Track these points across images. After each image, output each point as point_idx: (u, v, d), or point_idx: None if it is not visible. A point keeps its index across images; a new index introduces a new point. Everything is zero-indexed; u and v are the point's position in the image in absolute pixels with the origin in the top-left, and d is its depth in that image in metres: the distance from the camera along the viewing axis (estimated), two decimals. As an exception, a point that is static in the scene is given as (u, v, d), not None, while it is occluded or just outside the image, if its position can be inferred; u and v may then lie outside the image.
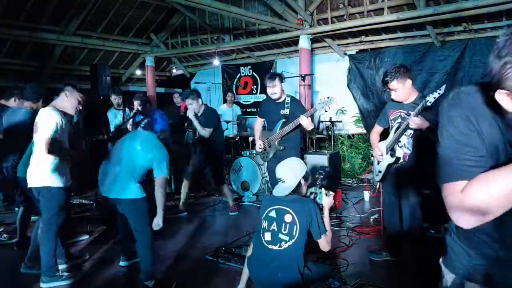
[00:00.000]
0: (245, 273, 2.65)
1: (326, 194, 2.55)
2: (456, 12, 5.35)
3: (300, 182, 2.46)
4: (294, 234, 2.32)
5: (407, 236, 3.16)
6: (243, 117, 8.13)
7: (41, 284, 3.10)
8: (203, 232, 4.47)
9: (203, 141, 4.83)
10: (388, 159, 3.15)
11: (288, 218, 2.34)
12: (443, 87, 2.72)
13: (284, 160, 2.63)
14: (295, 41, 7.24)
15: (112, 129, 5.80)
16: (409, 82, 3.00)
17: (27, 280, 3.24)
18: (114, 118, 5.89)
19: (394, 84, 2.99)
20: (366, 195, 5.61)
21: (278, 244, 2.33)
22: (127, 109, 5.97)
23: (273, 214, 2.41)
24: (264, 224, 2.42)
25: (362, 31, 6.85)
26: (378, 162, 3.28)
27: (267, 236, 2.38)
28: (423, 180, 3.19)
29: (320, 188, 2.61)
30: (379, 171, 3.28)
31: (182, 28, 9.12)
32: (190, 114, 4.74)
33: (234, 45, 8.25)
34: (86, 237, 4.21)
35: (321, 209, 2.51)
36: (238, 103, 8.70)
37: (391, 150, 3.15)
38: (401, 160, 3.12)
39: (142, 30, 8.95)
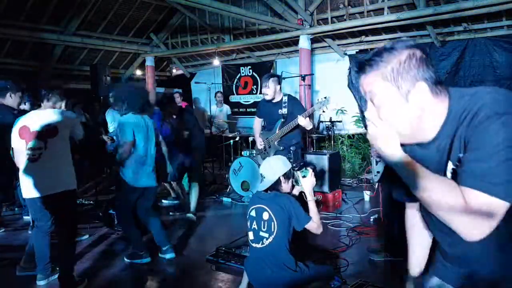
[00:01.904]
0: (245, 277, 2.68)
1: (303, 176, 2.55)
2: (456, 12, 5.36)
3: (279, 179, 2.49)
4: (272, 230, 2.36)
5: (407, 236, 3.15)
6: (233, 117, 8.17)
7: (38, 282, 3.11)
8: (203, 232, 4.47)
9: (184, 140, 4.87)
10: (387, 159, 3.15)
11: (265, 215, 2.40)
12: None
13: (269, 157, 2.70)
14: (295, 41, 7.25)
15: (111, 130, 5.79)
16: None
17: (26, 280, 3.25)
18: (113, 119, 5.88)
19: None
20: (366, 195, 5.61)
21: (260, 241, 2.40)
22: None
23: (253, 213, 2.48)
24: (248, 223, 2.50)
25: (362, 31, 6.85)
26: (377, 162, 3.28)
27: (251, 235, 2.46)
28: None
29: (296, 171, 2.63)
30: (378, 171, 3.27)
31: (182, 28, 9.12)
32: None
33: (234, 45, 8.25)
34: (86, 236, 4.21)
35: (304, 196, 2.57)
36: (238, 103, 8.73)
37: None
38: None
39: (142, 30, 8.95)
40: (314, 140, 6.65)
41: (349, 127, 7.59)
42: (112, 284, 3.23)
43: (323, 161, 5.13)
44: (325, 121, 6.92)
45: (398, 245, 3.47)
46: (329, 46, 7.53)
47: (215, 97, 7.86)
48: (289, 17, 6.71)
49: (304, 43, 6.75)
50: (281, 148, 4.08)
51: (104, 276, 3.34)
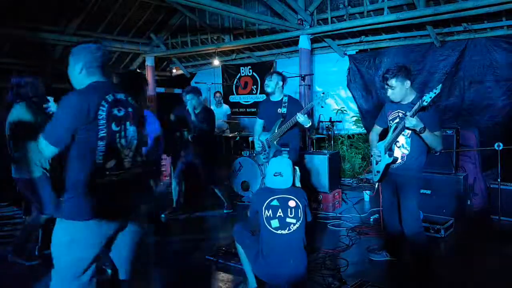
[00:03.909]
0: (250, 273, 2.79)
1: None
2: (456, 12, 5.35)
3: (293, 176, 2.85)
4: (299, 216, 2.66)
5: (406, 236, 3.16)
6: (233, 117, 8.16)
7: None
8: (203, 232, 4.47)
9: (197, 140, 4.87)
10: (386, 159, 3.15)
11: (292, 203, 2.68)
12: (439, 86, 2.73)
13: (276, 157, 2.95)
14: (295, 41, 7.24)
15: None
16: (407, 83, 3.02)
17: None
18: None
19: (393, 82, 3.01)
20: (366, 195, 5.62)
21: (287, 227, 2.63)
22: None
23: (275, 203, 2.68)
24: (268, 213, 2.66)
25: (362, 31, 6.84)
26: (377, 162, 3.29)
27: (274, 223, 2.64)
28: (421, 180, 3.19)
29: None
30: (378, 171, 3.28)
31: (182, 28, 9.12)
32: (190, 109, 4.78)
33: (234, 45, 8.25)
34: None
35: None
36: (238, 103, 8.73)
37: (389, 150, 3.15)
38: (399, 160, 3.12)
39: (142, 30, 8.94)
40: (314, 140, 6.65)
41: (349, 127, 7.59)
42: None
43: (323, 161, 5.13)
44: (325, 121, 6.93)
45: (398, 245, 3.48)
46: (329, 46, 7.53)
47: (214, 97, 7.86)
48: (289, 17, 6.70)
49: (304, 43, 6.75)
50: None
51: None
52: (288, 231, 2.62)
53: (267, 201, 2.68)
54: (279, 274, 2.61)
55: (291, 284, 2.64)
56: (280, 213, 2.64)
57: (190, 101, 4.78)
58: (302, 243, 2.66)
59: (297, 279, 2.63)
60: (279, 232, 2.62)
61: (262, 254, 2.67)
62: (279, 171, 2.74)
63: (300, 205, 2.69)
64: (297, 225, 2.64)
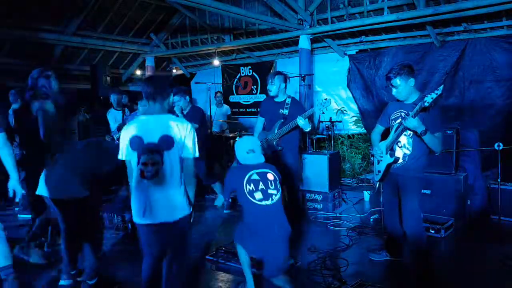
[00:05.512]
0: (249, 275, 2.81)
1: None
2: (456, 12, 5.35)
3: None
4: (278, 187, 2.82)
5: (407, 236, 3.16)
6: (233, 117, 8.15)
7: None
8: (203, 232, 4.47)
9: None
10: (387, 159, 3.16)
11: (270, 176, 2.82)
12: (441, 87, 2.73)
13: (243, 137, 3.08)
14: (295, 41, 7.24)
15: (112, 130, 5.81)
16: (411, 81, 3.02)
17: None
18: (114, 120, 5.89)
19: (396, 81, 3.01)
20: (366, 195, 5.62)
21: (270, 198, 2.74)
22: (126, 109, 5.98)
23: (255, 177, 2.79)
24: (250, 187, 2.76)
25: (362, 31, 6.84)
26: (378, 162, 3.29)
27: (258, 195, 2.74)
28: (422, 180, 3.19)
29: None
30: (379, 171, 3.28)
31: (182, 28, 9.12)
32: (177, 112, 4.75)
33: (234, 45, 8.25)
34: None
35: None
36: (238, 103, 8.72)
37: (391, 150, 3.15)
38: (400, 160, 3.12)
39: (142, 30, 8.95)
40: (314, 140, 6.64)
41: (349, 127, 7.59)
42: (112, 284, 3.23)
43: (323, 161, 5.12)
44: (325, 121, 6.92)
45: (398, 245, 3.48)
46: (329, 46, 7.52)
47: (214, 97, 7.86)
48: (289, 17, 6.71)
49: (304, 43, 6.75)
50: (280, 148, 4.08)
51: (103, 276, 3.34)
52: (271, 201, 2.74)
53: (247, 176, 2.77)
54: (268, 247, 2.68)
55: (279, 262, 2.73)
56: (261, 185, 2.76)
57: (177, 103, 4.73)
58: (283, 213, 2.80)
59: (284, 253, 2.76)
60: (263, 203, 2.71)
61: (250, 229, 2.75)
62: (251, 148, 2.88)
63: (277, 178, 2.85)
64: (277, 196, 2.78)
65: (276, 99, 4.16)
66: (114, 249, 3.96)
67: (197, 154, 2.51)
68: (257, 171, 2.81)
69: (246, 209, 2.79)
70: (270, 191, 2.75)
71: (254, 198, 2.73)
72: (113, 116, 5.93)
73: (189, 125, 2.50)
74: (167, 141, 2.39)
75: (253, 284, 2.85)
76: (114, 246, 4.05)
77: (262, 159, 2.90)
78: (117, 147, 2.53)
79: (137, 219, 2.47)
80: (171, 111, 2.67)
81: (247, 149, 2.89)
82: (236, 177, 2.83)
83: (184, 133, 2.44)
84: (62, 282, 3.01)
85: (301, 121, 3.78)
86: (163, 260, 2.57)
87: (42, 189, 2.91)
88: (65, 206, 2.90)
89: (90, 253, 2.98)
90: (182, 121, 2.50)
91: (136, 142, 2.40)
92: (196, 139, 2.50)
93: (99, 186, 3.00)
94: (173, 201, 2.44)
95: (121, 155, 2.48)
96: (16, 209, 5.21)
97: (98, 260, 3.02)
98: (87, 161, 2.99)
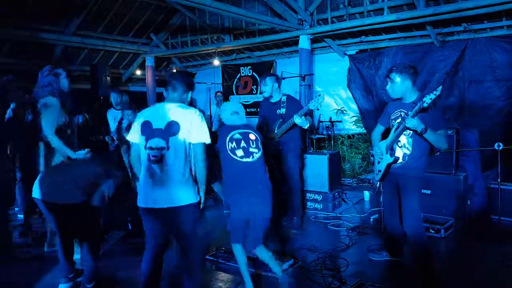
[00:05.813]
0: (246, 275, 2.81)
1: None
2: (456, 12, 5.35)
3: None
4: (260, 147, 2.93)
5: (407, 236, 3.16)
6: None
7: None
8: (203, 232, 4.47)
9: None
10: (387, 159, 3.16)
11: (252, 136, 2.93)
12: (439, 88, 2.73)
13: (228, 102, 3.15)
14: (295, 41, 7.24)
15: (112, 130, 5.79)
16: (408, 83, 3.02)
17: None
18: (113, 120, 5.87)
19: (396, 76, 3.02)
20: (366, 195, 5.61)
21: (251, 156, 2.85)
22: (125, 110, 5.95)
23: (237, 136, 2.89)
24: (232, 145, 2.86)
25: (362, 31, 6.84)
26: (379, 162, 3.29)
27: (239, 152, 2.84)
28: (423, 180, 3.19)
29: None
30: (379, 170, 3.28)
31: (182, 28, 9.12)
32: None
33: (234, 45, 8.25)
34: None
35: None
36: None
37: (391, 150, 3.15)
38: (400, 160, 3.12)
39: (142, 30, 8.95)
40: (314, 140, 6.64)
41: (349, 127, 7.59)
42: (112, 284, 3.23)
43: (323, 161, 5.12)
44: (325, 121, 6.92)
45: (398, 245, 3.48)
46: (329, 46, 7.53)
47: (215, 97, 7.85)
48: (289, 17, 6.71)
49: (304, 43, 6.75)
50: (280, 148, 4.09)
51: (103, 276, 3.34)
52: (252, 158, 2.84)
53: (230, 135, 2.89)
54: (252, 204, 2.79)
55: (265, 224, 2.87)
56: (243, 143, 2.87)
57: None
58: (264, 172, 2.91)
59: (269, 211, 2.86)
60: (244, 160, 2.82)
61: (234, 187, 2.86)
62: (235, 110, 3.01)
63: (259, 138, 2.97)
64: (259, 154, 2.89)
65: (272, 100, 4.20)
66: (114, 249, 3.96)
67: (208, 141, 2.56)
68: (240, 131, 2.92)
69: (228, 167, 2.87)
70: (251, 149, 2.87)
71: (235, 155, 2.83)
72: (113, 116, 5.92)
73: (198, 112, 2.56)
74: (173, 127, 2.47)
75: (252, 284, 2.85)
76: (114, 246, 4.05)
77: (244, 121, 3.04)
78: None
79: (141, 203, 2.51)
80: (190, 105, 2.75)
81: (231, 111, 3.02)
82: (221, 137, 2.93)
83: (192, 120, 2.50)
84: (61, 286, 3.01)
85: (298, 120, 3.80)
86: (164, 254, 2.63)
87: (36, 192, 2.91)
88: (57, 210, 2.89)
89: (88, 255, 2.97)
90: (191, 109, 2.58)
91: (145, 127, 2.51)
92: (206, 127, 2.56)
93: (99, 194, 2.98)
94: (176, 187, 2.46)
95: (132, 138, 2.58)
96: (16, 209, 5.21)
97: (96, 262, 3.00)
98: (85, 169, 3.03)
